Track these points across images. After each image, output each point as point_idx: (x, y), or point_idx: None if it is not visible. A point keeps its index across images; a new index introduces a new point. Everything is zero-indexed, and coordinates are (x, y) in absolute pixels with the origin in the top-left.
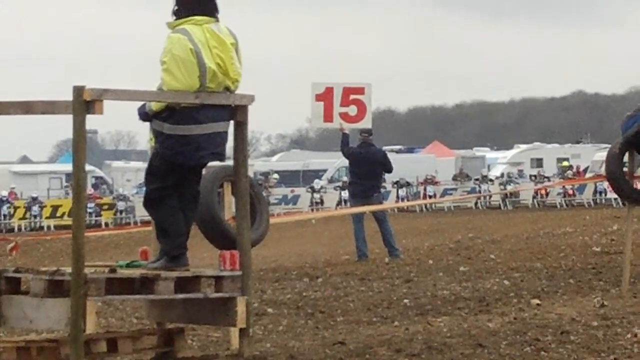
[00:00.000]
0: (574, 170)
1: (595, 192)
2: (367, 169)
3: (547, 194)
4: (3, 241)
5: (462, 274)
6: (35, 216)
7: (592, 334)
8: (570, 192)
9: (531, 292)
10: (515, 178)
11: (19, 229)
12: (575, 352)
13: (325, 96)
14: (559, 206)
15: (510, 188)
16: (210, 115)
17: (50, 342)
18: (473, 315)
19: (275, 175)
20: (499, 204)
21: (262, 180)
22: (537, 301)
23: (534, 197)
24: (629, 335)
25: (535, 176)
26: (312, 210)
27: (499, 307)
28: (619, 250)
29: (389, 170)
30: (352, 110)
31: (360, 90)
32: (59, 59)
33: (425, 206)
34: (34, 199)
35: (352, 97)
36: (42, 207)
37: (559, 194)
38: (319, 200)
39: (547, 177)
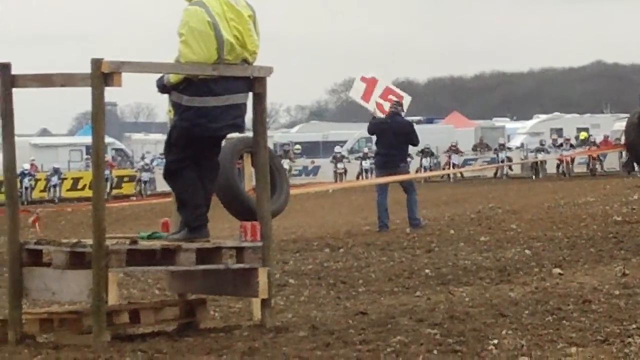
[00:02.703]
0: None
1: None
2: (391, 140)
3: (572, 161)
4: (24, 213)
5: (483, 243)
6: (54, 186)
7: (614, 303)
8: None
9: (552, 262)
10: (549, 146)
11: (41, 202)
12: (597, 321)
13: (369, 82)
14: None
15: (540, 156)
16: (228, 87)
17: (72, 314)
18: (494, 285)
19: (298, 147)
20: (527, 173)
21: (284, 153)
22: (559, 270)
23: (558, 166)
24: None
25: (560, 144)
26: (336, 180)
27: (520, 276)
28: None
29: (414, 143)
30: (386, 105)
31: (399, 96)
32: (77, 34)
33: (449, 176)
34: (56, 171)
35: (390, 96)
36: (62, 180)
37: (580, 163)
38: (342, 171)
39: (572, 145)
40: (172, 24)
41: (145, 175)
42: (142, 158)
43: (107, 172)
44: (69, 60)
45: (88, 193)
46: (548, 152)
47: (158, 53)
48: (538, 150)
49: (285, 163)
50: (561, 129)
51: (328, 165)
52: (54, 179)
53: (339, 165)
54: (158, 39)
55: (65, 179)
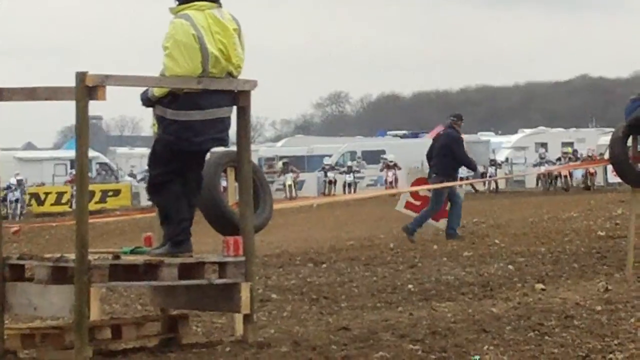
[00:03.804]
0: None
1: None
2: (434, 151)
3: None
4: (7, 227)
5: (466, 259)
6: (16, 201)
7: (596, 319)
8: (592, 171)
9: (535, 277)
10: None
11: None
12: (579, 336)
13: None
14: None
15: (537, 169)
16: (212, 101)
17: (54, 329)
18: (477, 301)
19: (280, 165)
20: (511, 188)
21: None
22: (541, 286)
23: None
24: (632, 320)
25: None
26: (324, 194)
27: (503, 292)
28: (623, 235)
29: (454, 155)
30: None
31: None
32: (62, 48)
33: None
34: (19, 183)
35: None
36: (29, 195)
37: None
38: (333, 180)
39: (571, 158)
40: (158, 36)
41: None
42: (130, 174)
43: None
44: (45, 74)
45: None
46: (554, 164)
47: (142, 67)
48: (541, 163)
49: (289, 178)
50: (546, 143)
51: (313, 179)
52: (16, 194)
53: (329, 174)
54: (142, 51)
55: (32, 193)
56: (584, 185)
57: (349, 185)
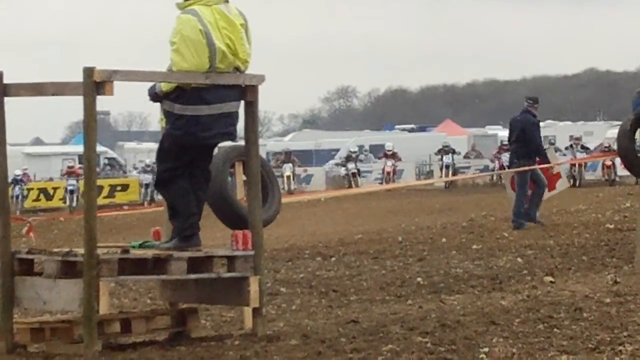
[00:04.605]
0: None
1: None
2: (514, 137)
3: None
4: (17, 222)
5: (475, 252)
6: (17, 197)
7: (605, 311)
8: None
9: (544, 270)
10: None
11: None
12: (588, 329)
13: None
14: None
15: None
16: (220, 96)
17: (63, 323)
18: (486, 293)
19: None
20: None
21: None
22: (550, 278)
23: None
24: None
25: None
26: (351, 185)
27: (512, 284)
28: (632, 227)
29: (528, 137)
30: None
31: None
32: (69, 42)
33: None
34: (17, 181)
35: None
36: (28, 190)
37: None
38: (355, 171)
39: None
40: (163, 32)
41: (147, 178)
42: (135, 167)
43: (74, 181)
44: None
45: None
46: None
47: (147, 62)
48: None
49: (287, 168)
50: (554, 137)
51: (321, 173)
52: (16, 190)
53: (350, 165)
54: (146, 47)
55: (32, 189)
56: (606, 178)
57: (353, 175)
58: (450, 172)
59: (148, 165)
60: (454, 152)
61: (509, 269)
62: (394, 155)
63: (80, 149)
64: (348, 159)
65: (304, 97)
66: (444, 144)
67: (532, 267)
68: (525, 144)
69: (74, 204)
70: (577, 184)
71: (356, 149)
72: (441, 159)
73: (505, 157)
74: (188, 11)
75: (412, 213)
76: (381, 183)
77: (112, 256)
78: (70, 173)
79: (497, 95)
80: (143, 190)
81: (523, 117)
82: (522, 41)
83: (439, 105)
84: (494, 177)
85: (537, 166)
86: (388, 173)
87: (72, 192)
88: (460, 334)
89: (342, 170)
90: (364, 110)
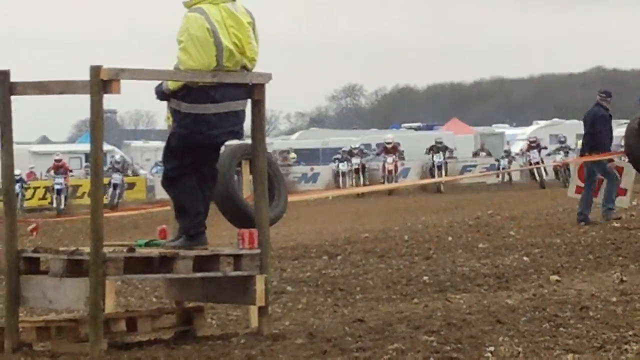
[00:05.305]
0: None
1: None
2: (585, 130)
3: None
4: (23, 223)
5: (481, 250)
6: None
7: (611, 310)
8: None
9: (550, 268)
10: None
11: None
12: (594, 327)
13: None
14: None
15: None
16: (227, 94)
17: (69, 322)
18: (492, 292)
19: (293, 155)
20: (526, 180)
21: (280, 159)
22: (557, 277)
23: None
24: None
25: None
26: (355, 184)
27: (518, 283)
28: (638, 226)
29: (592, 130)
30: None
31: None
32: (77, 41)
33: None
34: (17, 180)
35: None
36: (26, 189)
37: None
38: (359, 167)
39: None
40: (169, 31)
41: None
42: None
43: (61, 179)
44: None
45: (87, 201)
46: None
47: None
48: (561, 149)
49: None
50: (564, 137)
51: (327, 171)
52: (16, 188)
53: (354, 160)
54: (155, 45)
55: (29, 188)
56: None
57: (356, 171)
58: (443, 173)
59: (118, 162)
60: (446, 149)
61: (515, 268)
62: (394, 150)
63: (87, 147)
64: (350, 153)
65: (310, 95)
66: (436, 139)
67: (538, 265)
68: (594, 136)
69: (62, 206)
70: None
71: (357, 145)
72: (432, 158)
73: (535, 154)
74: (195, 9)
75: (419, 211)
76: (382, 182)
77: (118, 255)
78: (57, 167)
79: (503, 93)
80: (111, 190)
81: (594, 110)
82: (528, 39)
83: (445, 104)
84: (500, 176)
85: (583, 159)
86: (389, 171)
87: (59, 192)
88: (466, 333)
89: (342, 167)
90: (371, 108)
